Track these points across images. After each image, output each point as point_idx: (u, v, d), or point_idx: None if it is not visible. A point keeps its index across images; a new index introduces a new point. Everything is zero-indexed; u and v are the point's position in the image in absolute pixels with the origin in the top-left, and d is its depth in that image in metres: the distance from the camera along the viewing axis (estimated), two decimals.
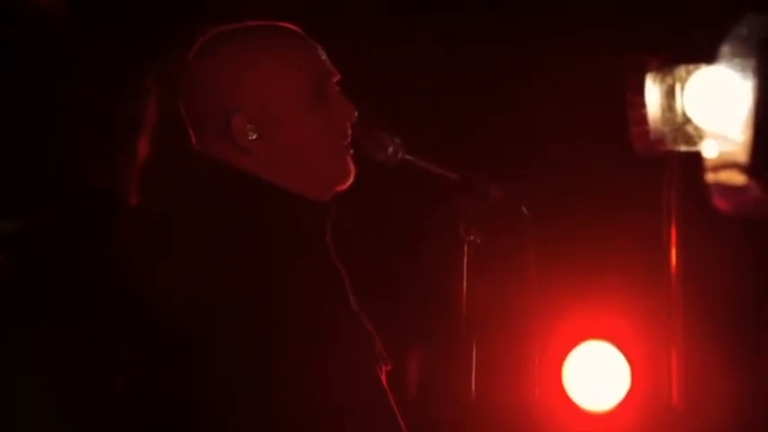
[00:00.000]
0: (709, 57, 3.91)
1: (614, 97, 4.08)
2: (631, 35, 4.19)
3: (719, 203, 3.76)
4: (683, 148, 4.01)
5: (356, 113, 2.43)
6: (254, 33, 2.42)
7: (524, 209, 2.48)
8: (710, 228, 4.17)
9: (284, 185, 2.37)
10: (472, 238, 2.44)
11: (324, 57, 2.43)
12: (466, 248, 2.44)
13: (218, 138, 2.38)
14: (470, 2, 4.45)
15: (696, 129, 3.99)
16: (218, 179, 2.37)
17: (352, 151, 2.43)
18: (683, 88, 3.99)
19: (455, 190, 2.46)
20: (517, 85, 4.41)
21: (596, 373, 4.44)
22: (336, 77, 2.44)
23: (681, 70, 4.00)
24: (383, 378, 2.35)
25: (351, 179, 2.43)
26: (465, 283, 2.42)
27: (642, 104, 4.01)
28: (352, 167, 2.43)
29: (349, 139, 2.42)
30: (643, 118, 4.01)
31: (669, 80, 4.00)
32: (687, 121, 3.99)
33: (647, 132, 4.01)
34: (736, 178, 3.73)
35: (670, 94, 3.99)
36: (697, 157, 3.97)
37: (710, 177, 3.85)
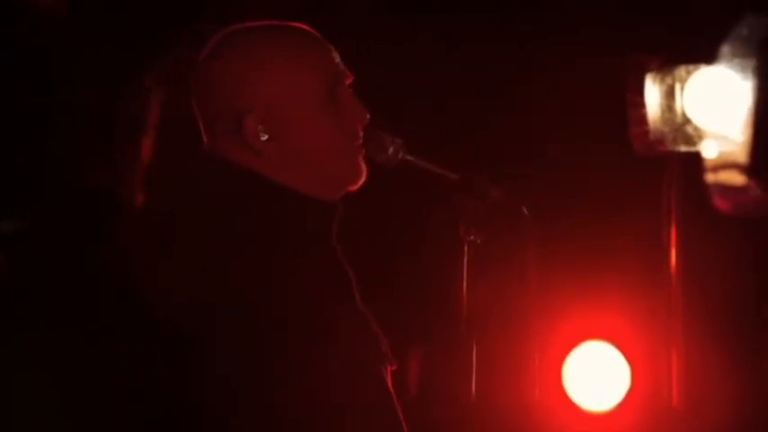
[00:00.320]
0: (709, 57, 3.91)
1: (614, 97, 4.09)
2: (631, 35, 4.19)
3: (719, 203, 3.76)
4: (683, 149, 4.01)
5: (368, 115, 2.43)
6: (266, 33, 2.41)
7: (524, 209, 2.48)
8: (710, 228, 4.17)
9: (294, 186, 2.37)
10: (472, 238, 2.44)
11: (337, 58, 2.43)
12: (466, 248, 2.44)
13: (229, 138, 2.37)
14: (470, 2, 4.45)
15: (696, 129, 3.99)
16: (227, 179, 2.37)
17: (363, 152, 2.43)
18: (682, 88, 3.99)
19: (455, 190, 2.46)
20: (517, 85, 4.41)
21: (596, 374, 4.44)
22: (349, 79, 2.43)
23: (681, 70, 4.00)
24: (389, 378, 2.35)
25: (362, 180, 2.43)
26: (465, 284, 2.42)
27: (642, 104, 4.01)
28: (363, 168, 2.42)
29: (360, 141, 2.42)
30: (643, 118, 4.01)
31: (669, 80, 4.00)
32: (687, 121, 4.00)
33: (646, 132, 4.01)
34: (736, 178, 3.74)
35: (670, 95, 4.00)
36: (697, 157, 3.97)
37: (710, 177, 3.85)
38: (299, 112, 2.38)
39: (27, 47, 3.71)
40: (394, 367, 2.37)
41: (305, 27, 2.44)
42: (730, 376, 4.26)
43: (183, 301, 2.29)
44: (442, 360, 4.21)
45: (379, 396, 2.31)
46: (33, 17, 3.76)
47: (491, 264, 2.52)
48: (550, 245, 3.07)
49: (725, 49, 3.82)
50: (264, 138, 2.36)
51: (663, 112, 4.00)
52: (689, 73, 3.99)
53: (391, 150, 2.45)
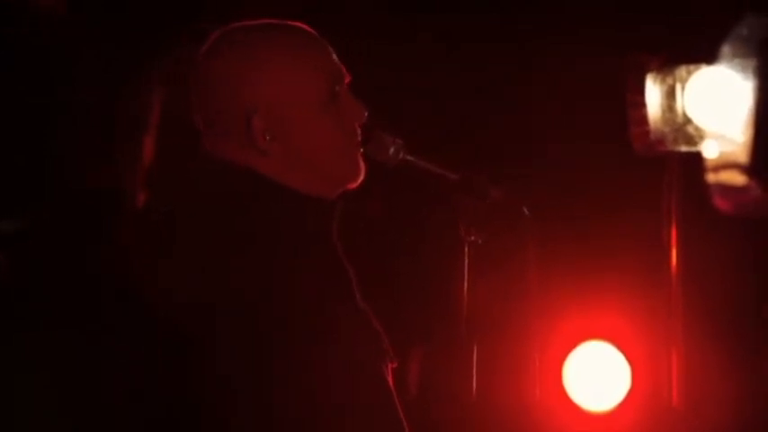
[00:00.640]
0: (709, 57, 3.91)
1: (614, 97, 4.08)
2: (631, 35, 4.19)
3: (720, 204, 3.76)
4: (684, 149, 4.01)
5: (366, 114, 2.43)
6: (267, 32, 2.41)
7: (524, 209, 2.48)
8: (710, 228, 4.17)
9: (295, 185, 2.37)
10: (473, 238, 2.44)
11: (335, 57, 2.43)
12: (466, 249, 2.44)
13: (229, 138, 2.37)
14: (470, 2, 4.45)
15: (696, 129, 3.99)
16: (227, 179, 2.36)
17: (361, 150, 2.43)
18: (683, 88, 3.99)
19: (455, 190, 2.46)
20: (517, 85, 4.41)
21: (596, 374, 4.44)
22: (347, 79, 2.43)
23: (681, 70, 4.00)
24: (390, 376, 2.35)
25: (361, 178, 2.43)
26: (465, 284, 2.42)
27: (642, 104, 4.01)
28: (362, 166, 2.43)
29: (359, 139, 2.42)
30: (643, 118, 4.01)
31: (669, 80, 4.00)
32: (687, 121, 4.00)
33: (647, 132, 4.01)
34: (737, 178, 3.74)
35: (670, 95, 3.99)
36: (697, 157, 3.97)
37: (711, 177, 3.85)
38: (302, 111, 2.37)
39: (27, 47, 3.71)
40: (395, 365, 2.37)
41: (303, 26, 2.44)
42: (730, 376, 4.26)
43: (183, 301, 2.29)
44: (442, 360, 4.21)
45: (380, 395, 2.31)
46: (33, 17, 3.76)
47: (491, 264, 2.52)
48: (550, 245, 3.07)
49: (725, 49, 3.82)
50: (267, 137, 2.35)
51: (663, 112, 4.00)
52: (689, 73, 3.99)
53: (392, 150, 2.45)
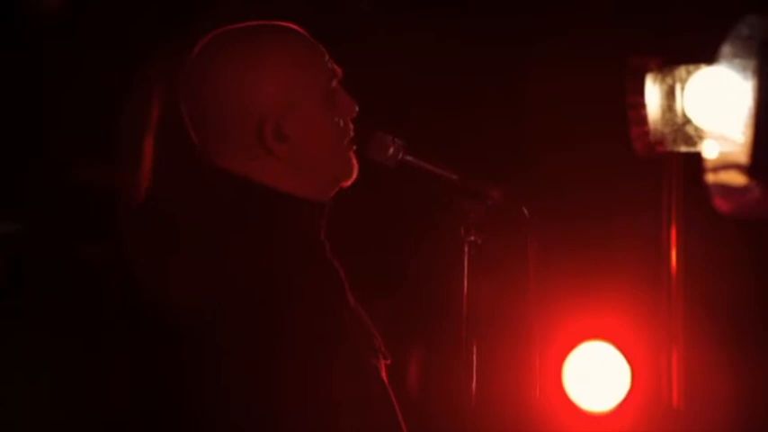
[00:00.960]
0: (709, 57, 3.91)
1: (614, 97, 4.08)
2: (631, 35, 4.19)
3: (720, 204, 3.76)
4: (684, 149, 4.01)
5: (357, 109, 2.42)
6: (262, 34, 2.39)
7: (524, 210, 2.48)
8: (710, 228, 4.17)
9: (291, 188, 2.36)
10: (473, 238, 2.44)
11: (327, 56, 2.42)
12: (466, 249, 2.44)
13: (222, 141, 2.36)
14: (470, 2, 4.45)
15: (696, 129, 3.99)
16: (224, 182, 2.35)
17: (354, 147, 2.43)
18: (683, 89, 3.99)
19: (456, 191, 2.46)
20: (517, 85, 4.41)
21: (596, 374, 4.44)
22: (339, 77, 2.43)
23: (681, 70, 4.00)
24: (383, 373, 2.35)
25: (354, 175, 2.42)
26: (465, 284, 2.42)
27: (642, 105, 4.01)
28: (355, 164, 2.42)
29: (351, 134, 2.42)
30: (643, 118, 4.01)
31: (669, 80, 4.00)
32: (687, 121, 3.99)
33: (647, 133, 4.01)
34: (737, 179, 3.73)
35: (670, 95, 3.99)
36: (697, 157, 3.97)
37: (711, 178, 3.85)
38: (307, 112, 2.37)
39: (27, 47, 3.71)
40: (389, 362, 2.37)
41: (294, 26, 2.43)
42: (730, 376, 4.26)
43: (183, 302, 2.29)
44: (442, 360, 4.21)
45: (376, 391, 2.31)
46: (33, 17, 3.76)
47: (492, 264, 2.52)
48: (551, 245, 3.07)
49: (725, 49, 3.82)
50: (268, 138, 2.34)
51: (663, 112, 4.00)
52: (689, 73, 3.98)
53: (392, 151, 2.44)
